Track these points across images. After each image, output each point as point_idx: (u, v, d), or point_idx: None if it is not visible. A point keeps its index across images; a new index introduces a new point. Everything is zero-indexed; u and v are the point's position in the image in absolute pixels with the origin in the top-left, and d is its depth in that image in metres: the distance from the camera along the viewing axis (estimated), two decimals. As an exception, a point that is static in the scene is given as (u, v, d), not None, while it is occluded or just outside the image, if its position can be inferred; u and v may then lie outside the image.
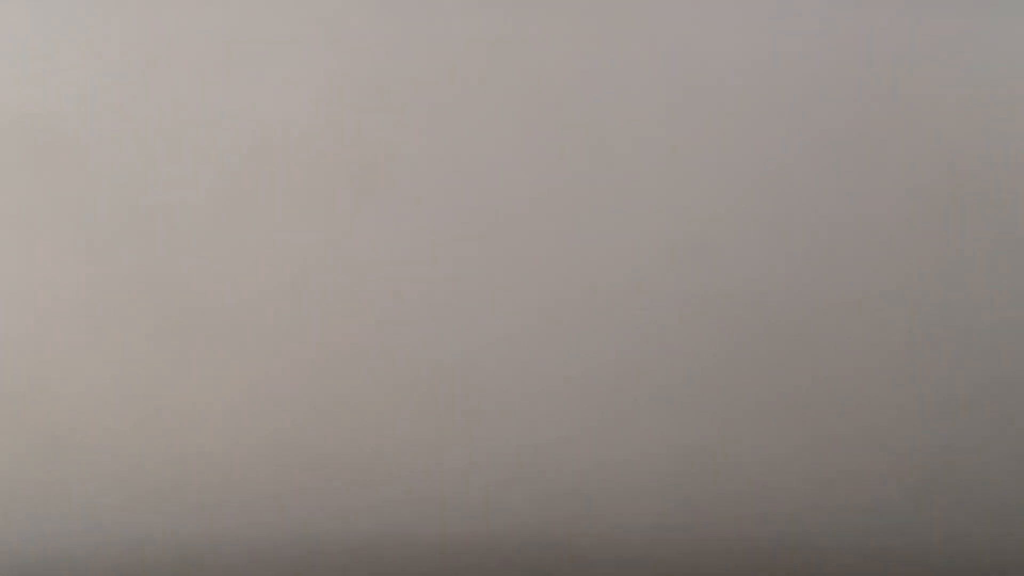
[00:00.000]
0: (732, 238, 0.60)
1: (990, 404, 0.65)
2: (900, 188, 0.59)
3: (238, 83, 0.56)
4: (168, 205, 0.57)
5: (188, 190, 0.57)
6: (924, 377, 0.63)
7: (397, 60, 0.56)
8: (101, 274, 0.58)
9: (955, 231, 0.59)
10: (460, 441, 0.66)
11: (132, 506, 0.67)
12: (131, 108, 0.56)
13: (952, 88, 0.58)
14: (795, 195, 0.59)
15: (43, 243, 0.57)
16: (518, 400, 0.65)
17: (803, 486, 0.68)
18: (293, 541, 0.69)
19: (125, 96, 0.55)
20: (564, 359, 0.63)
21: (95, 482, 0.65)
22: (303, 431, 0.64)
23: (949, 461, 0.66)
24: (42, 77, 0.55)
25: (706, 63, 0.57)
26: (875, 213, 0.60)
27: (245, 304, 0.59)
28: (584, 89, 0.57)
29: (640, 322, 0.62)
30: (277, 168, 0.57)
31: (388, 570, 0.72)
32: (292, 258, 0.59)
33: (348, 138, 0.57)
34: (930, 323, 0.62)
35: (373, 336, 0.61)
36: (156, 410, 0.62)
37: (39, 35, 0.55)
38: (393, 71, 0.56)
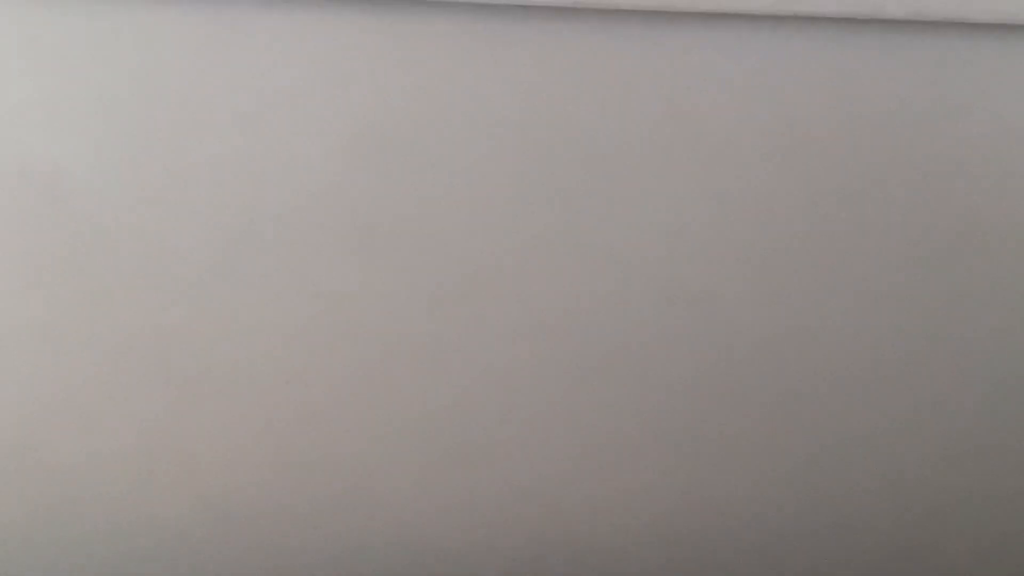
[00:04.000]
0: (729, 291, 0.60)
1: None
2: (897, 240, 0.59)
3: (241, 141, 0.56)
4: (169, 260, 0.57)
5: (189, 245, 0.57)
6: (920, 428, 0.64)
7: (399, 120, 0.56)
8: (104, 327, 0.59)
9: (955, 276, 0.59)
10: (454, 489, 0.66)
11: (134, 555, 0.66)
12: (134, 164, 0.56)
13: (950, 139, 0.58)
14: (793, 251, 0.59)
15: (45, 296, 0.58)
16: (511, 451, 0.65)
17: (798, 530, 0.69)
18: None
19: (129, 152, 0.56)
20: (555, 412, 0.64)
21: (98, 532, 0.65)
22: (302, 479, 0.64)
23: (947, 509, 0.67)
24: (48, 133, 0.55)
25: (707, 117, 0.57)
26: (871, 264, 0.60)
27: (245, 357, 0.60)
28: (580, 148, 0.57)
29: (632, 373, 0.62)
30: (277, 226, 0.58)
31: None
32: (291, 312, 0.59)
33: (347, 198, 0.57)
34: (929, 382, 0.62)
35: (371, 386, 0.62)
36: (156, 462, 0.63)
37: (45, 94, 0.55)
38: (395, 131, 0.56)
